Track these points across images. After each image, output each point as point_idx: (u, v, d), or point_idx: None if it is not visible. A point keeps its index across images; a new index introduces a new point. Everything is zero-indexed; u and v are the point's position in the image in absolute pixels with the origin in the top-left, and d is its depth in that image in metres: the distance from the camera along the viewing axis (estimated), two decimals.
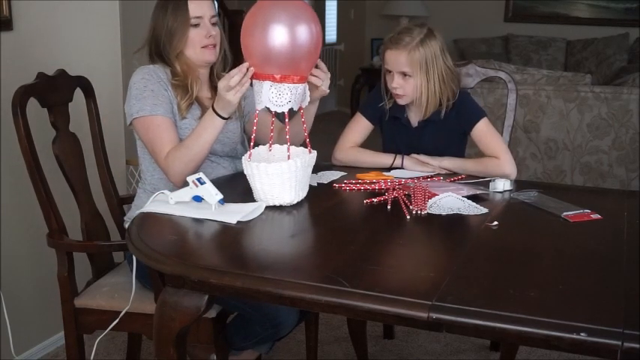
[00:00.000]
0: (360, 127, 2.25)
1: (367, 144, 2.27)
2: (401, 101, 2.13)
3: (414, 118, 2.19)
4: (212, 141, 1.89)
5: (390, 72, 2.11)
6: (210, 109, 1.86)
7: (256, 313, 1.84)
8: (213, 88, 2.07)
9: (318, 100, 1.96)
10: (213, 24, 2.01)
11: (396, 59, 2.07)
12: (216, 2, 5.68)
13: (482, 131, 2.13)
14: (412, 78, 2.07)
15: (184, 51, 1.99)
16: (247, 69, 1.72)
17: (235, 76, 1.74)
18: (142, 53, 2.05)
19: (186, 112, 1.98)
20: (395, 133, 2.23)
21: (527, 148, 3.83)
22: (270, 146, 1.84)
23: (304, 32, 1.68)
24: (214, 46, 2.01)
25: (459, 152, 2.21)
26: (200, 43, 1.98)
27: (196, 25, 1.97)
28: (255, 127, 1.80)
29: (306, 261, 1.50)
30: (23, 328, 2.39)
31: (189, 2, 1.96)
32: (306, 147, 1.82)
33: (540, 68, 4.96)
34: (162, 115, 1.93)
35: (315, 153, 1.79)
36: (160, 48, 1.99)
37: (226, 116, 1.85)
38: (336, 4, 8.19)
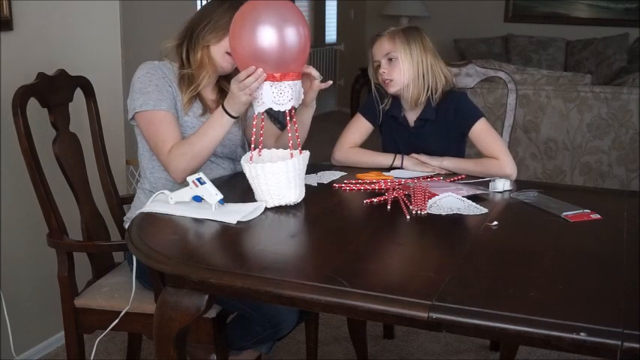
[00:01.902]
0: (359, 127, 2.25)
1: (367, 144, 2.27)
2: (390, 89, 2.14)
3: (411, 117, 2.20)
4: (218, 139, 1.88)
5: (378, 66, 2.16)
6: (220, 107, 1.85)
7: (256, 313, 1.84)
8: (219, 91, 2.06)
9: (314, 104, 1.96)
10: None
11: (380, 46, 2.16)
12: None
13: (481, 132, 2.13)
14: (397, 61, 2.11)
15: (211, 47, 1.97)
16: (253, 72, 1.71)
17: (250, 77, 1.72)
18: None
19: (189, 109, 1.98)
20: (394, 133, 2.23)
21: (527, 148, 3.84)
22: (260, 151, 1.83)
23: (292, 31, 1.68)
24: None
25: (458, 153, 2.21)
26: (227, 49, 1.94)
27: None
28: (254, 130, 1.80)
29: (306, 261, 1.50)
30: (23, 328, 2.39)
31: None
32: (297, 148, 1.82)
33: (540, 68, 4.96)
34: (166, 110, 1.92)
35: (307, 153, 1.79)
36: (194, 32, 1.97)
37: (235, 115, 1.84)
38: (336, 4, 8.18)
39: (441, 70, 2.14)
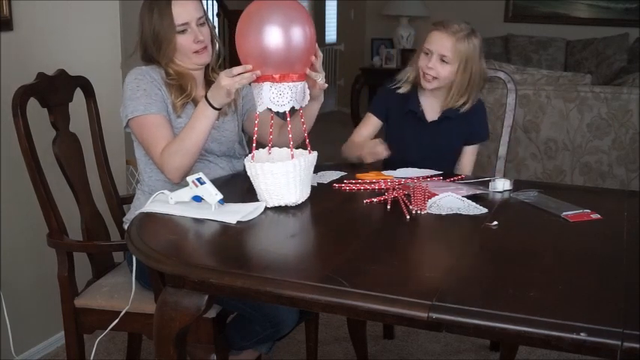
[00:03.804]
0: (369, 123, 2.30)
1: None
2: (429, 85, 2.16)
3: (430, 112, 2.22)
4: (206, 132, 1.84)
5: (427, 54, 2.15)
6: (204, 98, 1.82)
7: (256, 312, 1.84)
8: (208, 85, 2.06)
9: (321, 97, 1.94)
10: (201, 24, 1.97)
11: (442, 42, 2.12)
12: (216, 2, 5.62)
13: (475, 151, 2.29)
14: (449, 65, 2.11)
15: (175, 58, 1.97)
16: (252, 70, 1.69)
17: (239, 67, 1.70)
18: (137, 55, 2.04)
19: (182, 111, 1.97)
20: (405, 127, 2.25)
21: (527, 148, 3.83)
22: (270, 149, 1.83)
23: (298, 32, 1.67)
24: (206, 47, 1.98)
25: (456, 155, 2.29)
26: (190, 49, 1.95)
27: (183, 32, 1.94)
28: (256, 129, 1.80)
29: (306, 261, 1.50)
30: (23, 328, 2.39)
31: (172, 7, 1.91)
32: (306, 148, 1.82)
33: (540, 68, 4.96)
34: (156, 113, 1.91)
35: (315, 153, 1.79)
36: (150, 53, 1.98)
37: (218, 107, 1.81)
38: (336, 4, 8.19)
39: (483, 84, 2.19)
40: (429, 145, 2.21)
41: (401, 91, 2.23)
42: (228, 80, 1.73)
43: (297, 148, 1.84)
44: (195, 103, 1.99)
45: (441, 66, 2.12)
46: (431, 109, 2.22)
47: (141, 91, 1.92)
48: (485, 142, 2.33)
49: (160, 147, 1.88)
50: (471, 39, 2.12)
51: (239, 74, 1.70)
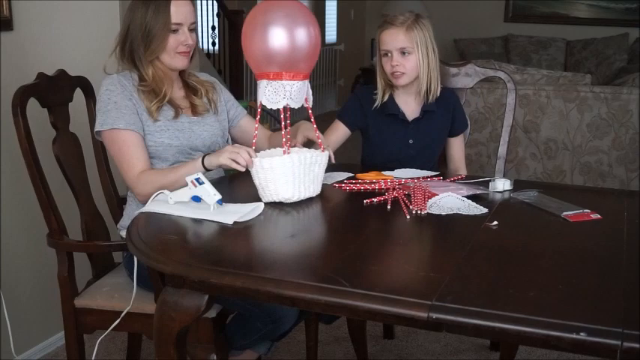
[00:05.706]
0: (337, 130, 2.27)
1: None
2: (400, 81, 2.15)
3: (409, 111, 2.23)
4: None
5: (386, 55, 2.15)
6: (202, 157, 1.84)
7: (256, 309, 1.85)
8: (186, 86, 2.06)
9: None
10: (192, 30, 1.98)
11: (394, 37, 2.13)
12: (216, 2, 5.65)
13: (462, 141, 2.32)
14: (412, 55, 2.12)
15: (160, 56, 1.96)
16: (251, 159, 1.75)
17: (245, 155, 1.75)
18: (113, 56, 2.01)
19: (158, 114, 1.95)
20: (388, 131, 2.25)
21: (527, 148, 3.83)
22: (289, 148, 1.85)
23: (302, 33, 1.71)
24: (188, 53, 1.99)
25: (440, 150, 2.32)
26: (175, 49, 1.95)
27: (175, 31, 1.94)
28: (257, 119, 1.83)
29: (306, 261, 1.50)
30: (23, 328, 2.40)
31: (171, 6, 1.91)
32: (319, 147, 1.85)
33: (540, 68, 4.96)
34: (124, 129, 1.90)
35: (327, 152, 1.81)
36: (134, 48, 1.96)
37: (209, 168, 1.84)
38: (336, 4, 8.19)
39: (437, 65, 2.20)
40: (416, 143, 2.23)
41: (380, 100, 2.22)
42: (228, 154, 1.77)
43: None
44: (171, 104, 1.99)
45: (404, 59, 2.13)
46: (409, 107, 2.23)
47: (111, 104, 1.91)
48: (467, 130, 2.36)
49: (135, 169, 1.88)
50: (420, 23, 2.13)
51: (240, 153, 1.75)
